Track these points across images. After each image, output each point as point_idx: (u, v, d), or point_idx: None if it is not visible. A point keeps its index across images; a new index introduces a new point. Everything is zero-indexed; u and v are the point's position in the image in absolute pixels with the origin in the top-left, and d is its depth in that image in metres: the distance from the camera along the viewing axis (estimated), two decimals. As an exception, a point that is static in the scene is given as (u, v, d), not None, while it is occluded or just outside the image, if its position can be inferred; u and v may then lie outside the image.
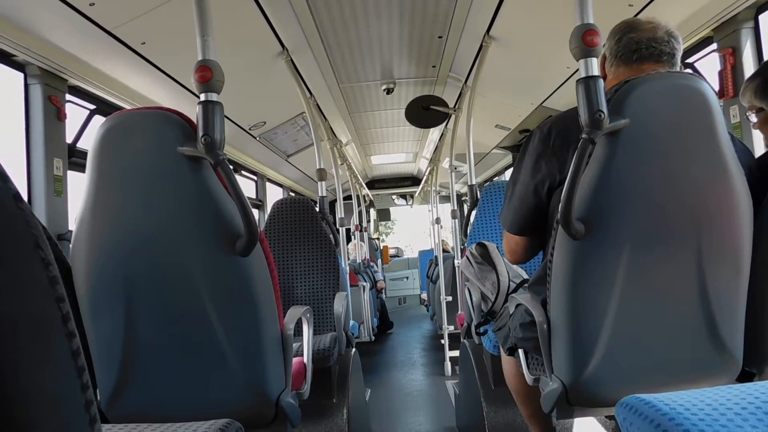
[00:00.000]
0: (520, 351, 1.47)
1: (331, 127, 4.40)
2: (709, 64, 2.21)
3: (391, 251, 10.26)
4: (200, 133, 1.12)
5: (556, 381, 1.22)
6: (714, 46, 2.14)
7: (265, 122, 3.85)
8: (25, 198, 1.44)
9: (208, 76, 1.14)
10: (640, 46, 1.25)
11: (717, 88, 2.08)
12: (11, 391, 0.40)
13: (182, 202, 1.17)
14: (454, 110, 3.76)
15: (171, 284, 1.20)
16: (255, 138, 3.99)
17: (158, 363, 1.24)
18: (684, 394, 0.83)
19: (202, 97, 1.15)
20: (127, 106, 2.53)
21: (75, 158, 2.21)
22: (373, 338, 4.96)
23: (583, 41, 1.04)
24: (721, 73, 2.05)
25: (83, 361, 0.48)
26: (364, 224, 7.27)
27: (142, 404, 1.26)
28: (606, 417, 1.58)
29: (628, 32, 1.27)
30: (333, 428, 2.16)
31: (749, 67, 2.00)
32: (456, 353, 3.27)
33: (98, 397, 1.28)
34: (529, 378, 1.43)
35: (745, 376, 1.22)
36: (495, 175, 6.36)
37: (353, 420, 2.27)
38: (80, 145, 2.28)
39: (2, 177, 0.42)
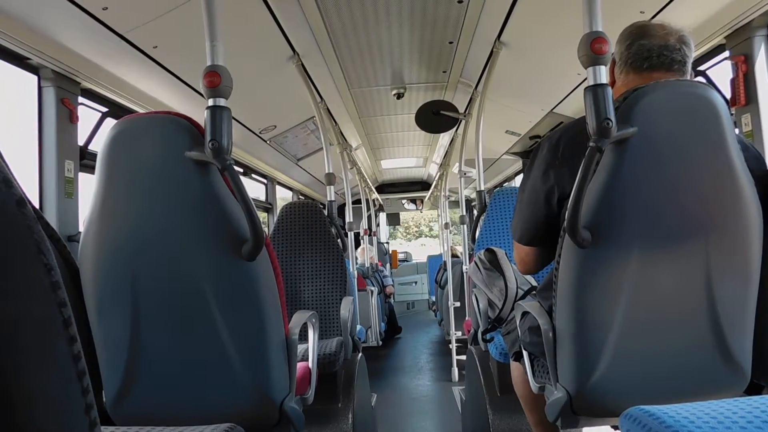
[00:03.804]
0: (526, 358, 1.47)
1: (341, 132, 4.41)
2: (721, 73, 2.20)
3: (400, 256, 10.25)
4: (208, 137, 1.13)
5: (561, 390, 1.21)
6: (726, 53, 2.12)
7: (275, 126, 3.87)
8: (36, 199, 1.45)
9: (216, 81, 1.15)
10: (651, 54, 1.23)
11: (729, 96, 2.06)
12: (13, 394, 0.41)
13: (189, 206, 1.17)
14: (464, 116, 3.76)
15: (177, 287, 1.20)
16: (265, 141, 4.01)
17: (163, 365, 1.24)
18: (689, 407, 0.82)
19: (210, 102, 1.16)
20: (139, 109, 2.56)
21: (86, 160, 2.23)
22: (380, 343, 4.95)
23: (592, 49, 1.04)
24: (733, 81, 2.03)
25: (84, 365, 0.48)
26: (374, 228, 7.27)
27: (147, 405, 1.26)
28: (612, 427, 1.57)
29: (639, 38, 1.25)
30: None
31: (762, 75, 1.98)
32: (464, 358, 3.25)
33: (104, 398, 1.29)
34: (534, 386, 1.42)
35: (753, 389, 1.21)
36: (505, 181, 6.34)
37: (358, 425, 2.27)
38: (92, 147, 2.30)
39: (6, 182, 0.43)
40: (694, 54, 1.27)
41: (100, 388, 1.29)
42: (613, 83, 1.33)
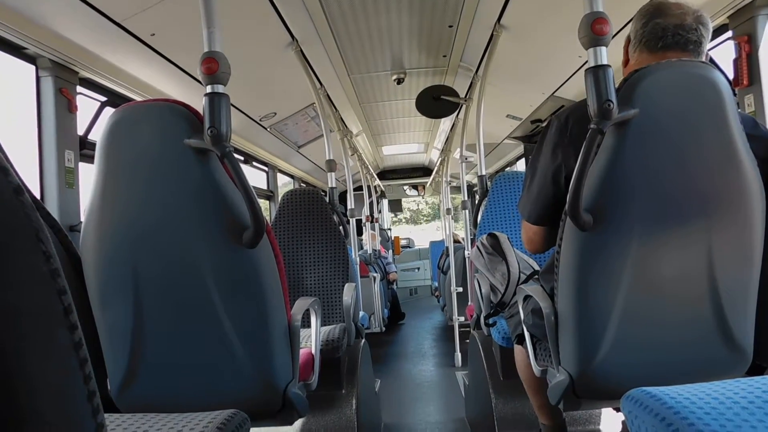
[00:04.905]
0: (528, 341, 1.47)
1: (341, 118, 4.39)
2: (724, 53, 2.17)
3: (403, 242, 10.26)
4: (206, 125, 1.13)
5: (563, 373, 1.21)
6: (729, 33, 2.09)
7: (275, 113, 3.85)
8: (37, 190, 1.45)
9: (213, 67, 1.14)
10: (666, 33, 1.20)
11: (732, 77, 2.04)
12: (15, 382, 0.41)
13: (189, 194, 1.17)
14: (465, 100, 3.74)
15: (179, 275, 1.21)
16: (266, 129, 4.00)
17: (166, 353, 1.25)
18: (690, 388, 0.82)
19: (208, 89, 1.15)
20: (138, 98, 2.55)
21: (86, 150, 2.23)
22: (383, 329, 4.96)
23: (592, 30, 1.03)
24: (736, 62, 2.01)
25: (85, 353, 0.48)
26: (376, 215, 7.27)
27: (151, 394, 1.27)
28: (614, 409, 1.58)
29: (655, 17, 1.22)
30: (342, 418, 2.17)
31: (766, 55, 1.96)
32: (467, 343, 3.27)
33: (109, 386, 1.30)
34: (536, 369, 1.42)
35: (755, 370, 1.21)
36: (506, 166, 6.32)
37: (362, 410, 2.29)
38: (91, 137, 2.30)
39: (3, 171, 0.43)
40: (710, 34, 1.24)
41: (105, 376, 1.30)
42: (626, 62, 1.31)
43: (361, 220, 5.93)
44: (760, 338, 1.17)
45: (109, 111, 2.37)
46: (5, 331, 0.40)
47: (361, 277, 3.73)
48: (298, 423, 2.14)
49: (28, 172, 2.03)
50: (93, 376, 0.49)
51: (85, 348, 0.48)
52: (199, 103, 1.17)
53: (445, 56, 3.45)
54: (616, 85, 1.05)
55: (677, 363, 1.15)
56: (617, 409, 1.58)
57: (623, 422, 1.44)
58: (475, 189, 7.09)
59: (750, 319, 1.15)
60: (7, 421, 0.40)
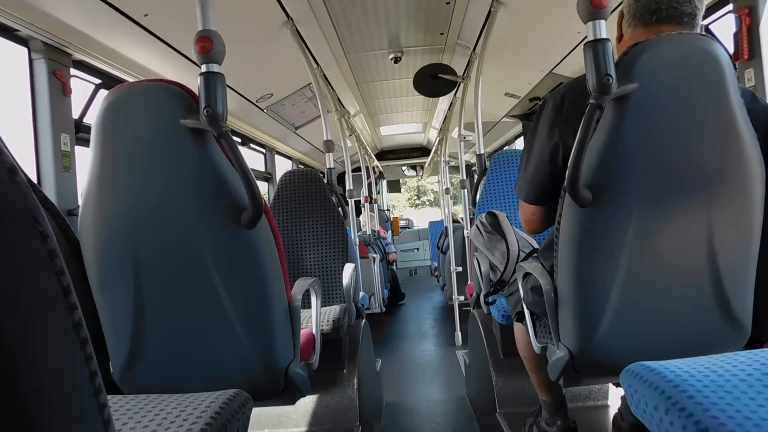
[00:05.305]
0: (528, 318, 1.48)
1: (338, 98, 4.36)
2: (725, 27, 2.15)
3: (402, 222, 10.27)
4: (202, 105, 1.11)
5: (563, 349, 1.22)
6: (730, 6, 2.07)
7: (272, 94, 3.82)
8: (34, 174, 1.43)
9: (208, 46, 1.13)
10: (660, 6, 1.18)
11: (732, 51, 2.01)
12: (16, 363, 0.41)
13: (186, 175, 1.16)
14: (463, 78, 3.70)
15: (178, 257, 1.21)
16: (262, 110, 3.97)
17: (168, 335, 1.25)
18: (689, 361, 0.83)
19: (203, 68, 1.14)
20: (132, 80, 2.52)
21: (82, 133, 2.21)
22: (383, 309, 4.99)
23: (591, 3, 1.01)
24: (736, 35, 1.99)
25: (86, 334, 0.48)
26: (374, 196, 7.26)
27: (154, 376, 1.28)
28: (614, 384, 1.59)
29: None
30: (344, 398, 2.19)
31: (767, 28, 1.94)
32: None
33: (112, 369, 1.30)
34: (536, 346, 1.43)
35: (753, 344, 1.22)
36: (505, 144, 6.30)
37: (364, 390, 2.31)
38: (87, 120, 2.28)
39: None
40: (704, 6, 1.23)
41: (107, 360, 1.31)
42: (620, 38, 1.30)
43: (359, 201, 5.92)
44: (758, 312, 1.17)
45: (104, 94, 2.36)
46: (4, 312, 0.40)
47: (360, 257, 3.74)
48: (301, 402, 2.16)
49: (27, 164, 2.01)
50: (94, 357, 0.49)
51: (86, 329, 0.48)
52: (194, 84, 1.15)
53: (442, 34, 3.41)
54: (615, 60, 1.04)
55: (677, 338, 1.16)
56: (617, 384, 1.59)
57: (623, 397, 1.45)
58: (473, 168, 7.08)
59: (749, 293, 1.15)
60: (10, 402, 0.40)
